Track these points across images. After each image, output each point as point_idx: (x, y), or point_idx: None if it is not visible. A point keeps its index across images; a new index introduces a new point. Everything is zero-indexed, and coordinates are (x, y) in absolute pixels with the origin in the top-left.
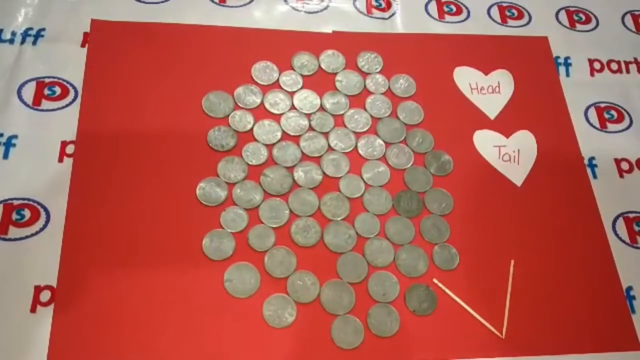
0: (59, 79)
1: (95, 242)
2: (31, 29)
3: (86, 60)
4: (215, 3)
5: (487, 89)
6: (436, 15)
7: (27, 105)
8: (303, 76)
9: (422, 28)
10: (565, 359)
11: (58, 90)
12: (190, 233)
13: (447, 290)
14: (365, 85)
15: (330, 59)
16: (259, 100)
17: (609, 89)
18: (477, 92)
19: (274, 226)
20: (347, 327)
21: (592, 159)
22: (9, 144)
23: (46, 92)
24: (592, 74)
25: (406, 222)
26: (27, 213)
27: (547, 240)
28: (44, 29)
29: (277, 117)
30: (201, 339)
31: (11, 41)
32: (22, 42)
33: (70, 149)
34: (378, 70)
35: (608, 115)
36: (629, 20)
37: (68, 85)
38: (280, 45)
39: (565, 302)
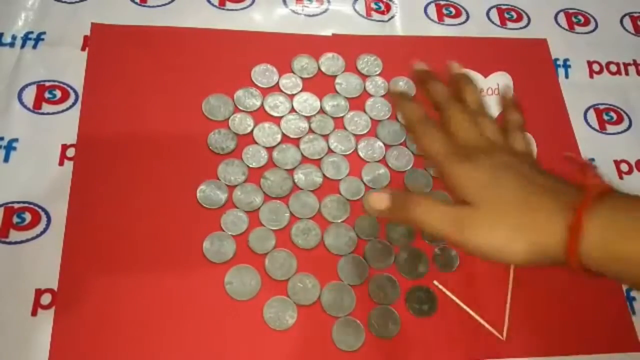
0: (59, 82)
1: (96, 245)
2: (31, 32)
3: (86, 63)
4: (215, 6)
5: (487, 91)
6: (435, 18)
7: (28, 109)
8: (303, 79)
9: (422, 30)
10: None
11: (58, 93)
12: (191, 236)
13: (448, 292)
14: (365, 88)
15: (330, 62)
16: (259, 103)
17: (608, 91)
18: None
19: (275, 228)
20: (348, 329)
21: (591, 160)
22: (9, 148)
23: (47, 95)
24: (591, 76)
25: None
26: (27, 216)
27: None
28: (44, 33)
29: (277, 120)
30: (202, 341)
31: (11, 45)
32: (23, 45)
33: (70, 152)
34: (378, 72)
35: (607, 117)
36: (627, 22)
37: (68, 89)
38: (280, 48)
39: (566, 303)
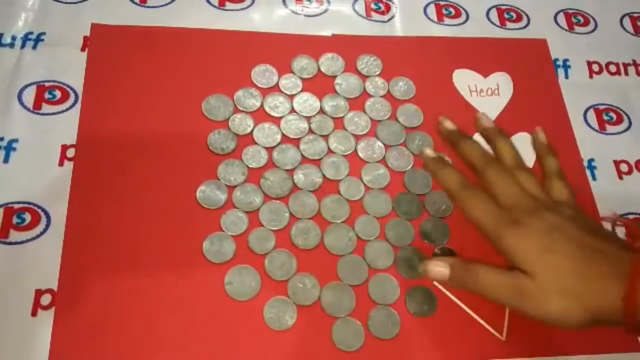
0: (59, 82)
1: (96, 245)
2: (31, 33)
3: (86, 64)
4: (215, 7)
5: (487, 92)
6: (435, 18)
7: (28, 109)
8: (303, 79)
9: (421, 31)
10: None
11: (58, 94)
12: (191, 236)
13: (447, 292)
14: (364, 88)
15: (330, 62)
16: (258, 104)
17: (607, 91)
18: (477, 95)
19: (274, 229)
20: (348, 330)
21: (591, 160)
22: (9, 148)
23: (46, 96)
24: (590, 76)
25: (406, 225)
26: (27, 217)
27: None
28: (44, 33)
29: (277, 120)
30: (202, 342)
31: (11, 45)
32: (23, 46)
33: (70, 152)
34: (377, 73)
35: (607, 117)
36: (627, 22)
37: (68, 89)
38: (280, 49)
39: None
